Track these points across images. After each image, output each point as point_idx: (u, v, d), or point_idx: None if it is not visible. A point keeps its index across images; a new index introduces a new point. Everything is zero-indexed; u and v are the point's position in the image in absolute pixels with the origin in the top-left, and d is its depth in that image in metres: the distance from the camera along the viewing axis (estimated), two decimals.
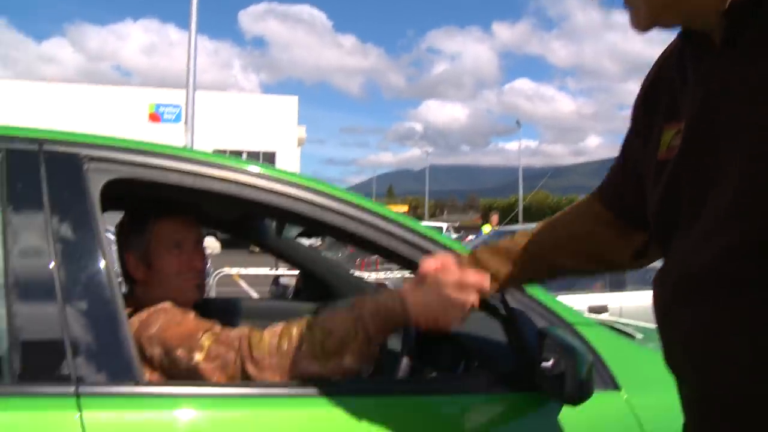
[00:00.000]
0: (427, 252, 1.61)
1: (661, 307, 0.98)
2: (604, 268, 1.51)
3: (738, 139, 0.83)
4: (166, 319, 1.58)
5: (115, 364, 1.32)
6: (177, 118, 30.84)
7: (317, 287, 2.81)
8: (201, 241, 1.84)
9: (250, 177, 1.57)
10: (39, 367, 1.28)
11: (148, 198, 1.76)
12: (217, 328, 1.57)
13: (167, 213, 1.77)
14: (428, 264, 1.47)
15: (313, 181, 1.61)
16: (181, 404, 1.34)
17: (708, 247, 0.85)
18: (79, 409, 1.24)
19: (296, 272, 3.32)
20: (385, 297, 1.51)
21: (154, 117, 33.07)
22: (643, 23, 0.93)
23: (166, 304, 1.67)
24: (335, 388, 1.47)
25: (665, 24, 0.94)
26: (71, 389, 1.26)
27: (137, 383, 1.32)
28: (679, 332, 0.92)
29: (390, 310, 1.49)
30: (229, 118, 34.82)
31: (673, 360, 0.97)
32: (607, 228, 1.32)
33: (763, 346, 0.79)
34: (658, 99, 1.06)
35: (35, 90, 34.01)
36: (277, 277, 3.34)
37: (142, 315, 1.61)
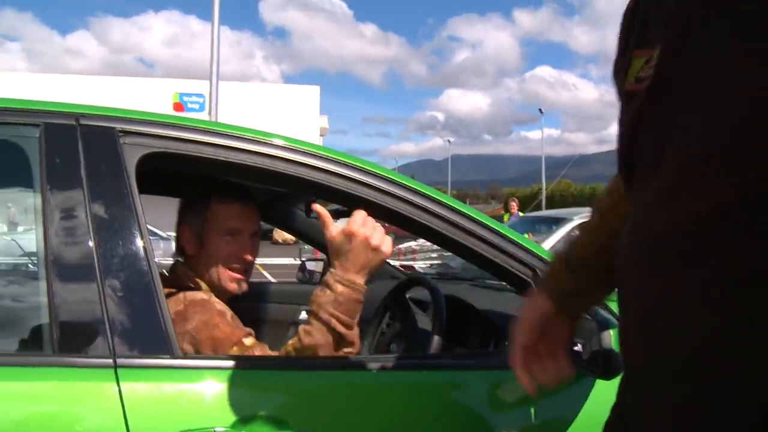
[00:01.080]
0: (463, 229, 1.59)
1: (619, 269, 0.88)
2: None
3: (719, 75, 0.71)
4: (202, 320, 1.57)
5: (151, 338, 1.33)
6: (201, 108, 30.99)
7: None
8: (258, 235, 1.83)
9: (285, 151, 1.55)
10: (78, 339, 1.29)
11: (210, 179, 1.77)
12: (249, 340, 1.57)
13: (229, 198, 1.76)
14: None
15: (348, 156, 1.60)
16: (214, 376, 1.35)
17: (675, 206, 0.75)
18: (117, 379, 1.25)
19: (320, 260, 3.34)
20: (334, 285, 1.52)
21: (179, 106, 33.20)
22: None
23: (204, 297, 1.66)
24: (368, 362, 1.48)
25: None
26: (110, 361, 1.27)
27: (172, 356, 1.33)
28: (638, 300, 0.82)
29: (346, 295, 1.52)
30: (252, 108, 34.85)
31: (624, 331, 0.87)
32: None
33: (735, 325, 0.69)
34: (633, 23, 0.92)
35: (61, 83, 34.44)
36: (303, 263, 3.35)
37: (179, 306, 1.60)
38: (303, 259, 4.07)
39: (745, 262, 0.68)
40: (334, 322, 1.50)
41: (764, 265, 0.66)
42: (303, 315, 2.78)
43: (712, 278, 0.70)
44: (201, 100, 31.44)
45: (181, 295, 1.64)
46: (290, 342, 1.55)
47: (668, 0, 0.83)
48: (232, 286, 1.76)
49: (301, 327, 1.55)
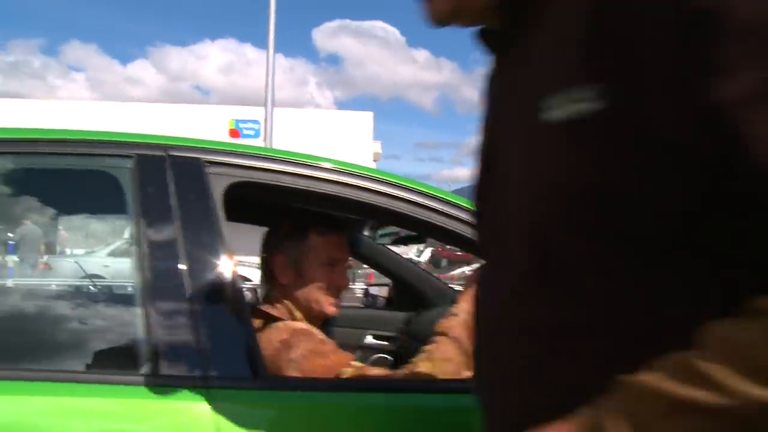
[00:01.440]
0: None
1: None
2: None
3: (519, 150, 0.72)
4: (308, 348, 1.61)
5: (241, 360, 1.39)
6: (256, 134, 31.33)
7: (409, 296, 2.83)
8: (348, 264, 1.91)
9: (363, 179, 1.61)
10: (172, 359, 1.35)
11: (307, 212, 1.84)
12: (357, 363, 1.62)
13: (327, 230, 1.83)
14: None
15: (412, 182, 1.66)
16: (302, 399, 1.40)
17: (492, 278, 0.77)
18: (210, 399, 1.30)
19: (382, 284, 3.38)
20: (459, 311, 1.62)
21: (234, 133, 33.63)
22: (439, 16, 0.80)
23: (305, 326, 1.71)
24: (438, 384, 1.51)
25: (462, 21, 0.82)
26: (202, 382, 1.33)
27: (263, 379, 1.39)
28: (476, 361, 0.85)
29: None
30: (306, 134, 35.15)
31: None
32: None
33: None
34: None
35: (122, 110, 35.42)
36: (367, 288, 3.42)
37: (283, 334, 1.64)
38: (364, 284, 4.12)
39: (541, 334, 0.68)
40: (465, 341, 1.56)
41: (564, 337, 0.66)
42: (368, 339, 2.81)
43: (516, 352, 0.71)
44: (256, 126, 31.78)
45: (281, 324, 1.69)
46: (416, 361, 1.59)
47: (491, 73, 0.85)
48: (331, 310, 1.81)
49: (430, 346, 1.60)
